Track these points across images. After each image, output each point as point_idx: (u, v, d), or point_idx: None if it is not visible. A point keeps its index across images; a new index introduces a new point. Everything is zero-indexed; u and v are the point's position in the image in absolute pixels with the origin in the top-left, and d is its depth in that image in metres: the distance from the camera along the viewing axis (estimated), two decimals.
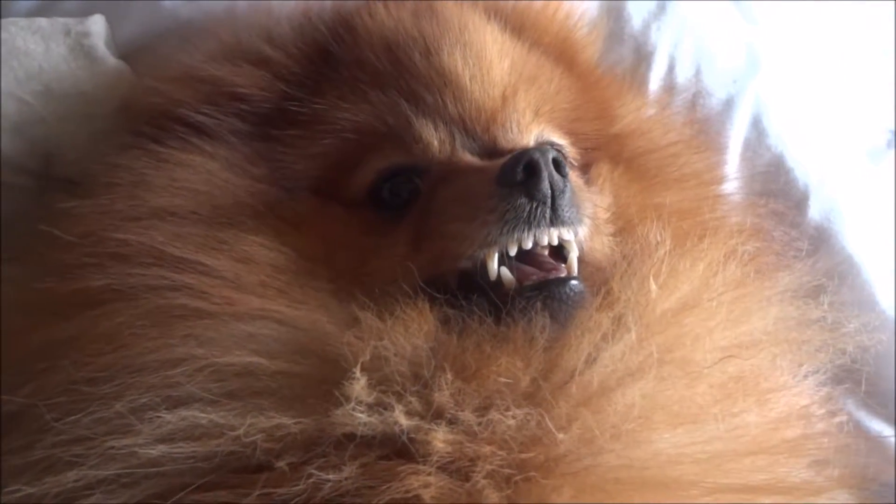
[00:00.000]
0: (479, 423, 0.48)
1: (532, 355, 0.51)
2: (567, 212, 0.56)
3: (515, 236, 0.55)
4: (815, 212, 0.84)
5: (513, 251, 0.55)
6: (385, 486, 0.46)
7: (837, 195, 0.86)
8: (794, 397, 0.62)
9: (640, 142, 0.73)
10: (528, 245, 0.55)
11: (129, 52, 0.75)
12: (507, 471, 0.47)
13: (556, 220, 0.55)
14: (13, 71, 0.67)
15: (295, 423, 0.48)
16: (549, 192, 0.55)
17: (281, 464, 0.47)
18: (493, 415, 0.49)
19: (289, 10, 0.73)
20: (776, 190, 0.85)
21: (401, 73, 0.64)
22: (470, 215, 0.56)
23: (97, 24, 0.72)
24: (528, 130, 0.64)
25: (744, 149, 0.86)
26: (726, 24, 0.92)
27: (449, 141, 0.62)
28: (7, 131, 0.67)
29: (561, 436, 0.48)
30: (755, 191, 0.85)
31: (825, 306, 0.66)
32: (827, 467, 0.60)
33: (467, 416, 0.49)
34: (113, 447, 0.48)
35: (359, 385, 0.48)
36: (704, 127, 0.84)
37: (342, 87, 0.65)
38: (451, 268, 0.56)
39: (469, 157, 0.60)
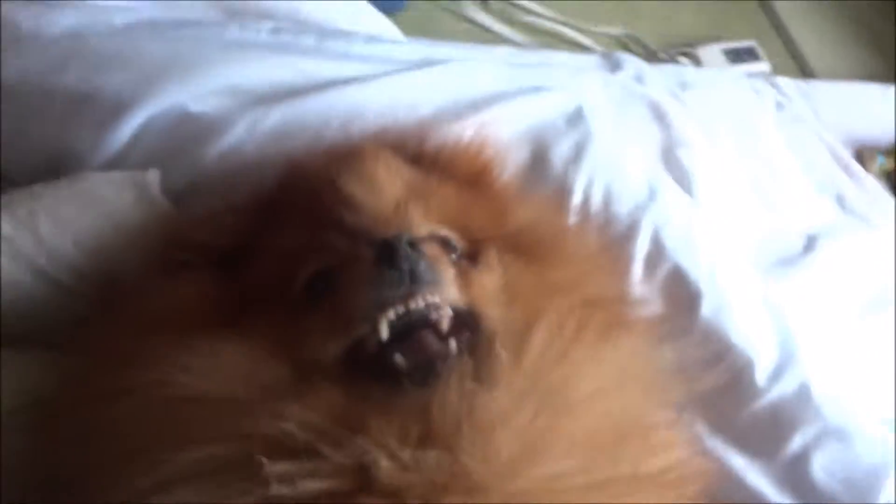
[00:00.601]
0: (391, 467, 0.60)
1: (417, 411, 0.63)
2: (426, 275, 0.69)
3: (387, 296, 0.68)
4: (706, 308, 1.03)
5: (392, 315, 0.68)
6: None
7: (725, 294, 1.04)
8: (668, 433, 0.73)
9: (530, 235, 0.87)
10: (401, 310, 0.68)
11: (176, 199, 0.97)
12: (432, 501, 0.59)
13: (415, 281, 0.69)
14: (95, 212, 0.89)
15: (248, 497, 0.59)
16: (405, 262, 0.69)
17: None
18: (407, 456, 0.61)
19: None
20: (675, 293, 1.04)
21: (316, 205, 0.80)
22: (359, 288, 0.70)
23: (154, 176, 0.94)
24: (419, 230, 0.76)
25: (646, 260, 1.06)
26: (630, 163, 1.15)
27: (352, 243, 0.74)
28: (88, 256, 0.89)
29: (471, 465, 0.60)
30: (660, 294, 1.04)
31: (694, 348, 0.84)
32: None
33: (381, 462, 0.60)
34: None
35: (272, 465, 0.59)
36: (614, 244, 1.05)
37: (281, 222, 0.84)
38: (357, 333, 0.69)
39: (365, 251, 0.72)
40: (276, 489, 0.58)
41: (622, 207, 1.09)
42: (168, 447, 0.63)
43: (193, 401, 0.67)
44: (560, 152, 1.12)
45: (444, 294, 0.73)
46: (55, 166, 1.01)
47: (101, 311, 0.85)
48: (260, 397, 0.66)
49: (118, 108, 1.01)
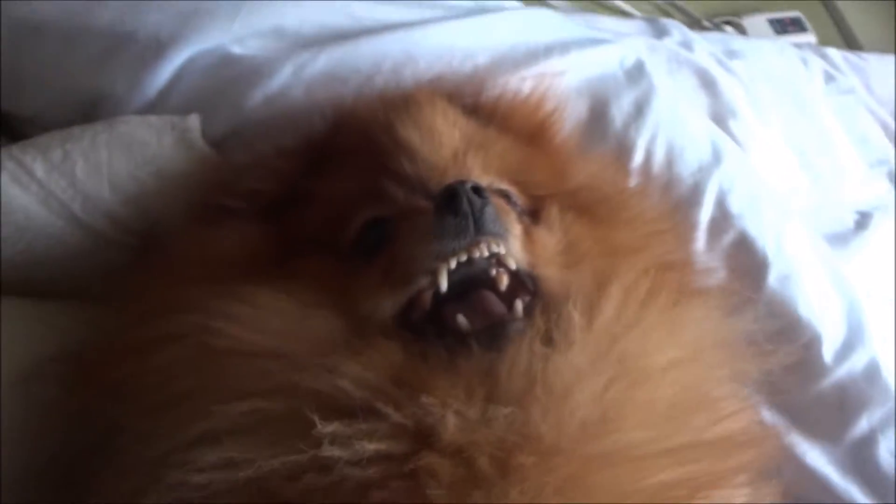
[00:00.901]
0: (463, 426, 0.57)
1: (483, 372, 0.60)
2: (491, 225, 0.66)
3: (450, 247, 0.65)
4: (772, 277, 0.98)
5: (453, 264, 0.65)
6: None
7: (792, 264, 0.99)
8: (739, 408, 0.70)
9: (592, 194, 0.84)
10: (464, 258, 0.65)
11: (217, 144, 0.93)
12: (502, 458, 0.56)
13: (480, 231, 0.65)
14: (134, 156, 0.84)
15: (300, 456, 0.56)
16: (469, 209, 0.65)
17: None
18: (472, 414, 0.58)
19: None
20: (740, 262, 0.98)
21: (372, 150, 0.77)
22: (418, 239, 0.67)
23: (195, 121, 0.90)
24: (478, 181, 0.71)
25: (710, 226, 1.01)
26: (694, 122, 1.09)
27: (409, 194, 0.73)
28: (125, 202, 0.85)
29: (543, 428, 0.57)
30: (725, 262, 0.99)
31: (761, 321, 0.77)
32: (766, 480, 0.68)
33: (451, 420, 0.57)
34: (171, 476, 0.57)
35: (326, 425, 0.56)
36: (677, 207, 1.00)
37: (333, 168, 0.81)
38: (414, 288, 0.66)
39: (423, 202, 0.71)
40: (329, 450, 0.56)
41: (685, 169, 1.04)
42: (213, 399, 0.60)
43: (240, 353, 0.64)
44: (620, 108, 1.06)
45: (510, 247, 0.69)
46: (90, 111, 0.96)
47: (142, 258, 0.81)
48: (311, 351, 0.63)
49: (156, 49, 0.95)
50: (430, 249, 0.66)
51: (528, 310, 0.67)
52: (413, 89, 0.89)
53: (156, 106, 0.96)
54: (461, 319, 0.65)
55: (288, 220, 0.79)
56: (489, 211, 0.66)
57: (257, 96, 0.96)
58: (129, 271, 0.81)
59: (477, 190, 0.67)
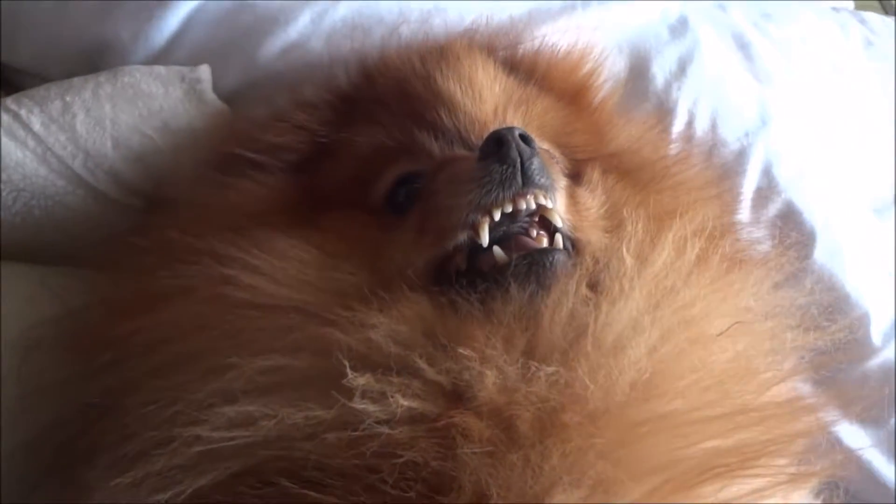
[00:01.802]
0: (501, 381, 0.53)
1: (524, 318, 0.56)
2: (538, 177, 0.61)
3: (494, 196, 0.60)
4: (819, 251, 0.92)
5: (497, 215, 0.60)
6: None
7: (840, 237, 0.94)
8: (787, 379, 0.65)
9: (633, 157, 0.80)
10: (509, 209, 0.60)
11: (229, 98, 0.87)
12: (543, 419, 0.52)
13: (527, 182, 0.61)
14: (139, 109, 0.79)
15: (325, 412, 0.53)
16: (518, 157, 0.60)
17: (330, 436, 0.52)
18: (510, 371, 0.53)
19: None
20: (786, 233, 0.89)
21: (407, 101, 0.74)
22: (458, 189, 0.62)
23: (206, 73, 0.84)
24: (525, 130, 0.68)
25: (755, 195, 0.95)
26: (740, 84, 1.02)
27: (447, 148, 0.69)
28: (129, 160, 0.79)
29: (591, 387, 0.53)
30: (770, 233, 0.92)
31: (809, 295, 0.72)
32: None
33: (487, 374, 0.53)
34: (185, 435, 0.54)
35: (357, 377, 0.53)
36: (722, 174, 0.93)
37: (361, 119, 0.76)
38: (451, 244, 0.62)
39: (463, 153, 0.67)
40: (360, 403, 0.52)
41: (731, 133, 0.97)
42: (232, 354, 0.56)
43: (261, 306, 0.59)
44: (662, 66, 0.99)
45: (556, 202, 0.64)
46: (93, 62, 0.90)
47: (150, 216, 0.76)
48: (338, 304, 0.58)
49: None
50: (471, 200, 0.61)
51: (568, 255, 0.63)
52: (450, 40, 0.83)
53: (163, 57, 0.90)
54: (497, 251, 0.60)
55: (314, 174, 0.74)
56: (537, 161, 0.62)
57: (273, 47, 0.89)
58: (136, 231, 0.75)
59: (525, 138, 0.62)
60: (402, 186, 0.69)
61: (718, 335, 0.61)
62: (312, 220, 0.69)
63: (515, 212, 0.61)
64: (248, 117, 0.82)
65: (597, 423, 0.52)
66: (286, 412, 0.53)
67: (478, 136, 0.68)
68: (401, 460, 0.50)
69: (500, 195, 0.61)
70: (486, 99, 0.73)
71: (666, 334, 0.57)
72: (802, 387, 0.75)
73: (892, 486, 0.86)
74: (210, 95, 0.83)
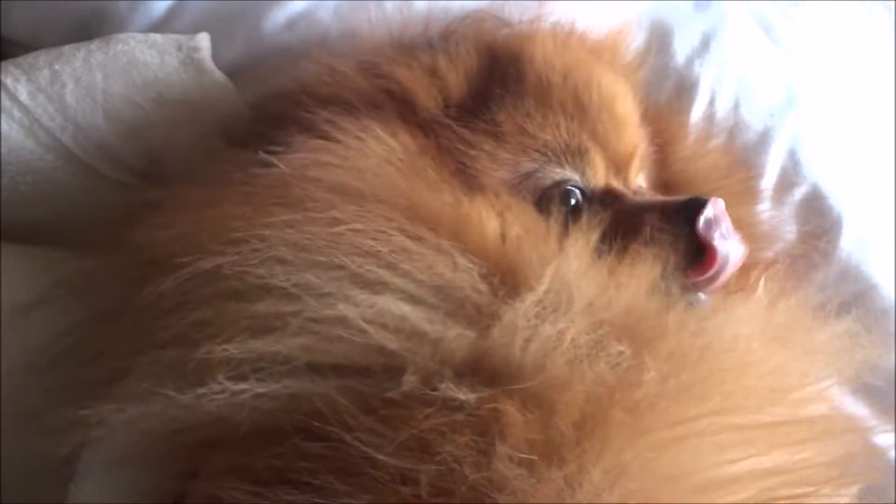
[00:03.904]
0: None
1: None
2: None
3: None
4: (846, 240, 0.87)
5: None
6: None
7: (868, 225, 0.89)
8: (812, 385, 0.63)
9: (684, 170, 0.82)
10: None
11: (230, 72, 0.82)
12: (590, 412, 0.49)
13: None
14: (132, 79, 0.74)
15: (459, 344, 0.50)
16: None
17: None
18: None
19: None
20: (812, 219, 0.88)
21: (580, 106, 0.71)
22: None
23: (205, 41, 0.79)
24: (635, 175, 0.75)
25: (780, 178, 0.90)
26: (766, 62, 0.97)
27: (608, 171, 0.71)
28: (121, 133, 0.75)
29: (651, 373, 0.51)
30: (794, 219, 0.89)
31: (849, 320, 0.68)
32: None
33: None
34: (314, 317, 0.50)
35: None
36: (742, 156, 0.89)
37: (525, 106, 0.71)
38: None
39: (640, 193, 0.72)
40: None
41: (755, 113, 0.92)
42: None
43: None
44: (685, 41, 0.94)
45: None
46: (91, 33, 0.85)
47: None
48: None
49: None
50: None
51: None
52: (604, 41, 0.82)
53: (163, 27, 0.85)
54: None
55: (458, 147, 0.69)
56: None
57: (279, 17, 0.85)
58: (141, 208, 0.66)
59: None
60: (553, 189, 0.69)
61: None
62: (480, 201, 0.64)
63: None
64: (345, 61, 0.73)
65: (640, 418, 0.49)
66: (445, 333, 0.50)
67: (624, 166, 0.72)
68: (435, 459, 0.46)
69: None
70: (631, 128, 0.74)
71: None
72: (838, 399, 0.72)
73: None
74: (209, 65, 0.78)
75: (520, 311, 0.51)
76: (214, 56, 0.81)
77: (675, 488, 0.47)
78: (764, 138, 0.91)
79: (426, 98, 0.70)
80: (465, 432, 0.46)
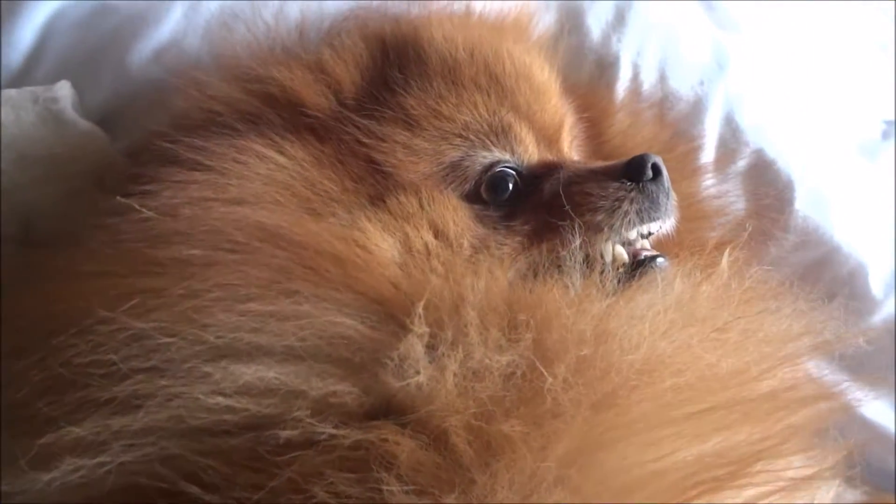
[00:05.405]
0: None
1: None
2: (669, 206, 0.65)
3: (647, 219, 0.64)
4: (801, 202, 0.83)
5: (634, 235, 0.64)
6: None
7: (823, 184, 0.84)
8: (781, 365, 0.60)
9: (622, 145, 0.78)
10: (646, 231, 0.65)
11: (102, 117, 0.76)
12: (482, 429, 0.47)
13: (665, 213, 0.65)
14: None
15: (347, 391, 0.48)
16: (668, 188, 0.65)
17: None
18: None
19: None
20: (761, 184, 0.84)
21: (494, 78, 0.68)
22: (607, 206, 0.63)
23: (64, 90, 0.73)
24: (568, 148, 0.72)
25: (720, 148, 0.85)
26: (690, 25, 0.91)
27: (539, 145, 0.68)
28: None
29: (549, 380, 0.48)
30: (741, 186, 0.84)
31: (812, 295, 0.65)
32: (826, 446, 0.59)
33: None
34: (176, 393, 0.47)
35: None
36: (676, 129, 0.84)
37: (435, 87, 0.67)
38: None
39: (577, 161, 0.69)
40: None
41: (683, 83, 0.86)
42: None
43: None
44: (598, 16, 0.88)
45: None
46: None
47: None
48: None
49: (9, 2, 0.77)
50: (622, 222, 0.63)
51: None
52: (505, 18, 0.78)
53: (26, 76, 0.79)
54: (620, 251, 0.65)
55: (364, 142, 0.64)
56: (670, 193, 0.66)
57: (144, 49, 0.79)
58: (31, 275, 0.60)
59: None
60: (486, 174, 0.66)
61: (713, 331, 0.56)
62: (386, 200, 0.62)
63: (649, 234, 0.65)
64: (225, 72, 0.69)
65: (547, 429, 0.46)
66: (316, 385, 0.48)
67: (554, 139, 0.70)
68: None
69: (651, 217, 0.64)
70: (553, 97, 0.71)
71: (662, 330, 0.53)
72: (814, 368, 0.68)
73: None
74: (69, 115, 0.72)
75: (409, 346, 0.49)
76: (82, 100, 0.76)
77: (599, 490, 0.46)
78: (697, 108, 0.86)
79: (314, 96, 0.65)
80: (345, 467, 0.45)
